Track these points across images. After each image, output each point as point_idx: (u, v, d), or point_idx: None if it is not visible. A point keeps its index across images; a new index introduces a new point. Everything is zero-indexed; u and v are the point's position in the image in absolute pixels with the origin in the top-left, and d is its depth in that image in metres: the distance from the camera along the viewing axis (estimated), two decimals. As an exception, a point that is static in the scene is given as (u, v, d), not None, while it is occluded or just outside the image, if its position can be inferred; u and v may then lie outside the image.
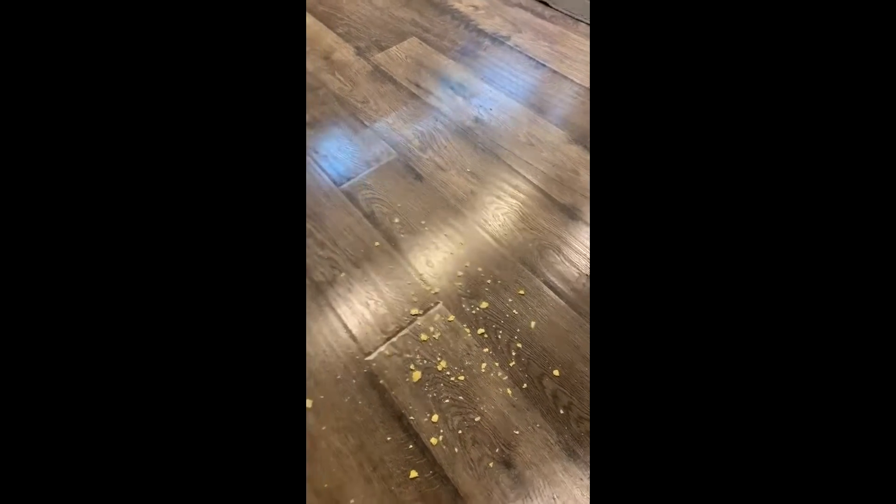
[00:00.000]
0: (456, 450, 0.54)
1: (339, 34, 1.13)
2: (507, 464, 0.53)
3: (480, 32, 1.09)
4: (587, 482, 0.51)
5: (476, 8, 1.16)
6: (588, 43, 1.03)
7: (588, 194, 0.76)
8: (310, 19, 1.19)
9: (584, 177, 0.79)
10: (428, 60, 1.03)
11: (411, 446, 0.55)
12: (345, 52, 1.08)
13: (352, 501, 0.51)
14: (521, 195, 0.77)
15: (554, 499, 0.51)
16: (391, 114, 0.93)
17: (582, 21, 1.09)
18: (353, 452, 0.55)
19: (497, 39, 1.07)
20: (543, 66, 0.99)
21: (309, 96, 0.98)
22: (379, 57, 1.06)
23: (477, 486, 0.52)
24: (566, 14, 1.12)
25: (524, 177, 0.80)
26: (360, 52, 1.08)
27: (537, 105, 0.92)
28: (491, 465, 0.53)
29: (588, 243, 0.70)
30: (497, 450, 0.54)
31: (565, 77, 0.97)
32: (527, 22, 1.10)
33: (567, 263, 0.69)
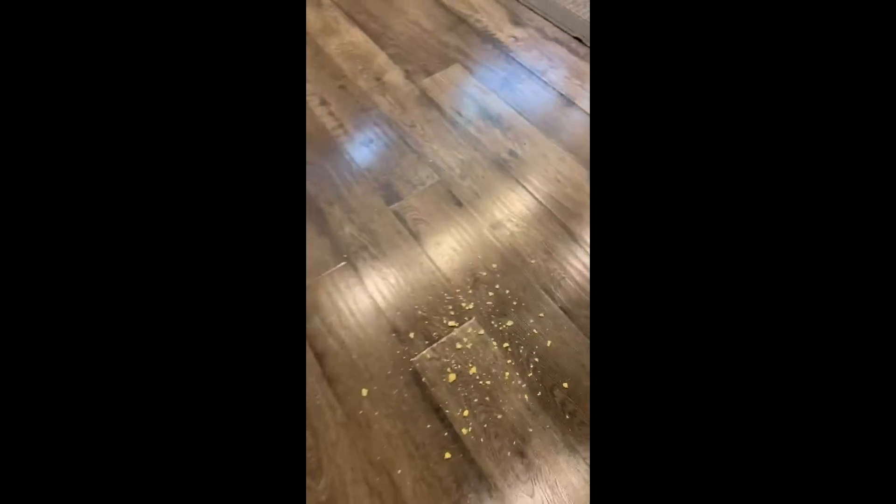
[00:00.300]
0: (482, 440, 0.69)
1: (389, 55, 1.25)
2: (521, 454, 0.68)
3: (519, 65, 1.20)
4: (583, 472, 0.66)
5: (516, 39, 1.26)
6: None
7: (603, 231, 0.89)
8: (362, 36, 1.30)
9: (602, 215, 0.92)
10: (470, 89, 1.15)
11: (446, 434, 0.69)
12: (395, 75, 1.19)
13: (399, 471, 0.66)
14: (545, 229, 0.90)
15: (556, 483, 0.65)
16: (435, 140, 1.05)
17: (612, 61, 1.20)
18: (400, 434, 0.69)
19: (534, 74, 1.18)
20: (573, 104, 1.11)
21: (362, 116, 1.11)
22: (426, 82, 1.17)
23: (496, 469, 0.66)
24: (598, 53, 1.22)
25: (550, 211, 0.93)
26: (408, 75, 1.19)
27: (566, 143, 1.03)
28: (508, 453, 0.68)
29: (600, 276, 0.83)
30: (514, 442, 0.68)
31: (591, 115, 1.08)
32: (563, 58, 1.21)
33: (581, 292, 0.82)
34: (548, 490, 0.65)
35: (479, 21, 1.32)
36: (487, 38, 1.27)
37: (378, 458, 0.68)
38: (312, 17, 1.36)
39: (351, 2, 1.40)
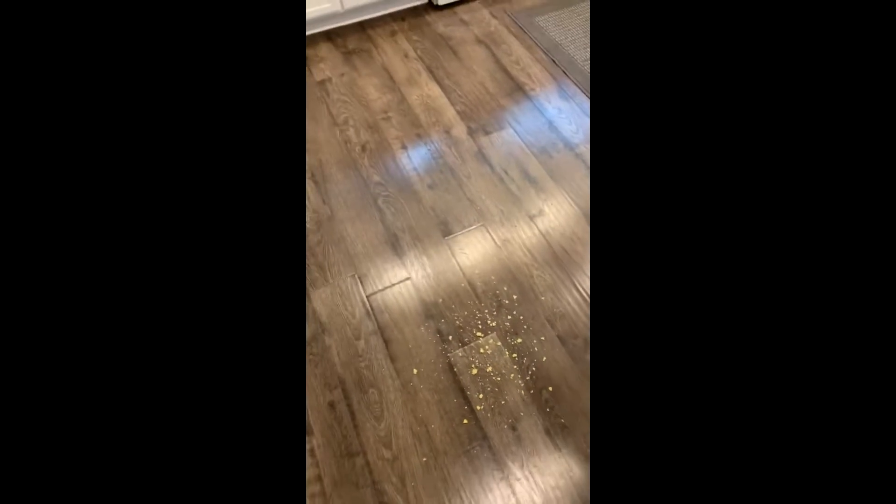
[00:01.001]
0: (489, 415, 1.04)
1: (457, 111, 1.58)
2: (514, 428, 1.02)
3: (559, 135, 1.51)
4: (551, 448, 1.00)
5: (560, 111, 1.58)
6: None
7: (598, 283, 1.21)
8: (438, 90, 1.64)
9: (599, 270, 1.24)
10: (516, 152, 1.47)
11: (465, 407, 1.04)
12: (460, 130, 1.53)
13: (432, 426, 1.02)
14: (555, 274, 1.23)
15: (532, 453, 1.00)
16: (484, 192, 1.38)
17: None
18: (436, 403, 1.05)
19: (569, 145, 1.49)
20: (595, 176, 1.42)
21: (431, 163, 1.45)
22: (483, 140, 1.50)
23: (496, 435, 1.01)
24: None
25: (560, 261, 1.26)
26: (471, 132, 1.52)
27: (583, 207, 1.35)
28: (505, 426, 1.02)
29: (588, 312, 1.16)
30: (510, 420, 1.03)
31: (608, 189, 1.40)
32: (593, 134, 1.52)
33: (573, 327, 1.15)
34: (527, 455, 0.99)
35: (532, 90, 1.63)
36: (536, 107, 1.58)
37: (420, 415, 1.03)
38: (400, 67, 1.70)
39: (432, 57, 1.73)
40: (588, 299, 1.19)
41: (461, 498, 0.95)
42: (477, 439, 1.01)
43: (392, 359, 1.11)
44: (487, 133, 1.52)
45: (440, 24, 1.84)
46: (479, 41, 1.78)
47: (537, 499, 0.95)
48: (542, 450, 1.00)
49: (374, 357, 1.11)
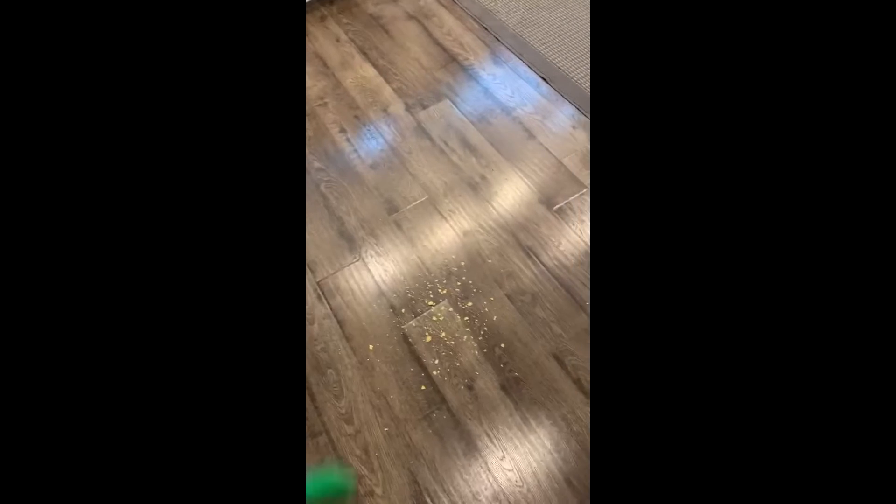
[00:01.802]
0: (445, 378, 1.06)
1: (393, 89, 1.57)
2: (470, 388, 1.05)
3: (495, 101, 1.52)
4: (507, 402, 1.03)
5: (495, 77, 1.58)
6: (569, 123, 1.46)
7: (540, 239, 1.24)
8: (372, 71, 1.63)
9: (544, 229, 1.26)
10: (455, 123, 1.48)
11: (422, 375, 1.07)
12: (397, 107, 1.53)
13: (391, 396, 1.04)
14: (501, 238, 1.25)
15: (489, 408, 1.03)
16: (426, 165, 1.39)
17: (567, 100, 1.52)
18: (393, 374, 1.07)
19: (505, 109, 1.50)
20: (533, 137, 1.44)
21: (372, 143, 1.45)
22: (421, 115, 1.50)
23: (454, 397, 1.04)
24: (557, 92, 1.54)
25: (506, 224, 1.28)
26: (408, 107, 1.52)
27: (524, 170, 1.37)
28: (461, 387, 1.05)
29: (539, 270, 1.19)
30: (466, 381, 1.06)
31: (547, 150, 1.41)
32: (530, 97, 1.53)
33: (521, 285, 1.18)
34: (485, 412, 1.03)
35: (466, 60, 1.63)
36: (472, 76, 1.59)
37: (378, 388, 1.06)
38: (332, 52, 1.69)
39: (364, 38, 1.72)
40: (533, 256, 1.21)
41: (424, 460, 0.98)
42: (436, 404, 1.03)
43: (347, 338, 1.12)
44: (425, 107, 1.52)
45: (369, 3, 1.83)
46: (411, 17, 1.77)
47: (498, 452, 0.98)
48: (499, 405, 1.03)
49: (329, 339, 1.12)
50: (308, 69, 1.64)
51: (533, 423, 1.01)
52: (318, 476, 0.88)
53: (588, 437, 0.99)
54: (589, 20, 1.69)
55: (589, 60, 1.58)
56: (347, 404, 1.04)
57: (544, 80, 1.56)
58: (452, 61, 1.63)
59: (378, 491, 0.95)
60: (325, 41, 1.72)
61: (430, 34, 1.71)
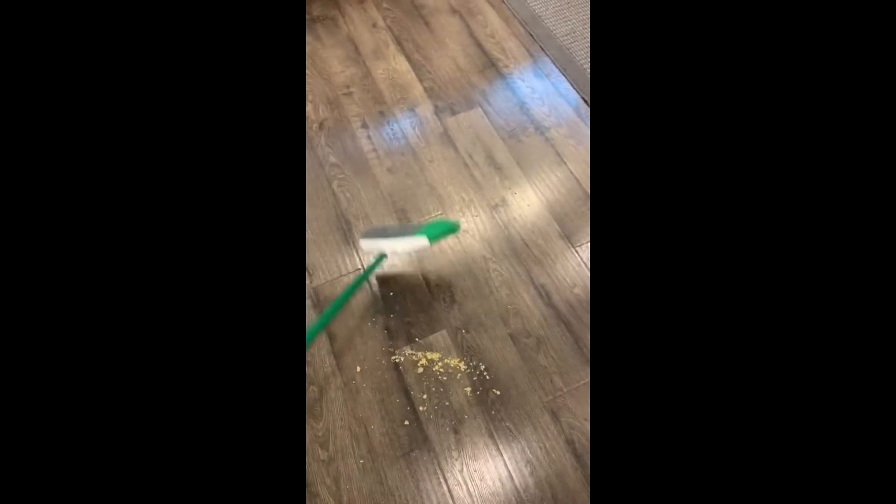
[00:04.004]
0: (431, 416, 1.00)
1: (424, 87, 1.48)
2: (456, 431, 0.99)
3: (529, 117, 1.42)
4: (493, 451, 0.97)
5: (533, 91, 1.48)
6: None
7: (555, 282, 1.16)
8: (406, 65, 1.53)
9: (561, 268, 1.18)
10: (483, 135, 1.39)
11: (408, 408, 1.00)
12: (426, 109, 1.43)
13: (372, 427, 0.98)
14: (513, 269, 1.18)
15: (473, 456, 0.97)
16: (445, 177, 1.31)
17: (608, 127, 1.41)
18: (378, 402, 1.01)
19: (540, 128, 1.40)
20: (563, 163, 1.34)
21: (393, 144, 1.36)
22: (450, 121, 1.41)
23: (436, 437, 0.98)
24: (599, 117, 1.44)
25: (519, 256, 1.20)
26: (437, 111, 1.43)
27: (548, 198, 1.28)
28: (447, 428, 0.99)
29: (548, 312, 1.11)
30: (453, 422, 1.00)
31: (577, 180, 1.32)
32: (567, 118, 1.43)
33: (526, 325, 1.10)
34: (468, 460, 0.96)
35: (506, 67, 1.53)
36: (508, 86, 1.49)
37: (360, 415, 1.00)
38: (367, 38, 1.59)
39: (402, 27, 1.62)
40: (545, 295, 1.13)
41: (396, 501, 0.92)
42: (417, 442, 0.97)
43: (336, 355, 1.06)
44: (455, 113, 1.43)
45: (414, -10, 1.72)
46: (454, 11, 1.67)
47: (474, 505, 0.92)
48: (485, 454, 0.97)
49: (316, 352, 1.06)
50: (338, 53, 1.55)
51: (517, 480, 0.94)
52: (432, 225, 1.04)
53: (572, 506, 0.92)
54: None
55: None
56: (325, 427, 0.99)
57: (585, 102, 1.46)
58: (491, 66, 1.53)
59: (343, 528, 0.90)
60: (360, 25, 1.62)
61: (471, 33, 1.61)
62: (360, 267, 1.17)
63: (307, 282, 1.15)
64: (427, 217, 1.24)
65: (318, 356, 1.05)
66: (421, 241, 0.99)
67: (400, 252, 1.02)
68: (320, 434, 0.98)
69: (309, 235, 1.22)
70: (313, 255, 1.19)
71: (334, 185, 1.30)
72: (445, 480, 0.94)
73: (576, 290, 1.14)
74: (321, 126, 1.40)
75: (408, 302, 1.12)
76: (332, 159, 1.34)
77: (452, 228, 1.09)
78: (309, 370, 1.04)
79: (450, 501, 0.92)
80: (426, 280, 1.15)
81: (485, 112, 1.43)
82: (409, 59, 1.54)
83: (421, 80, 1.49)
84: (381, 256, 1.03)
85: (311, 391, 1.02)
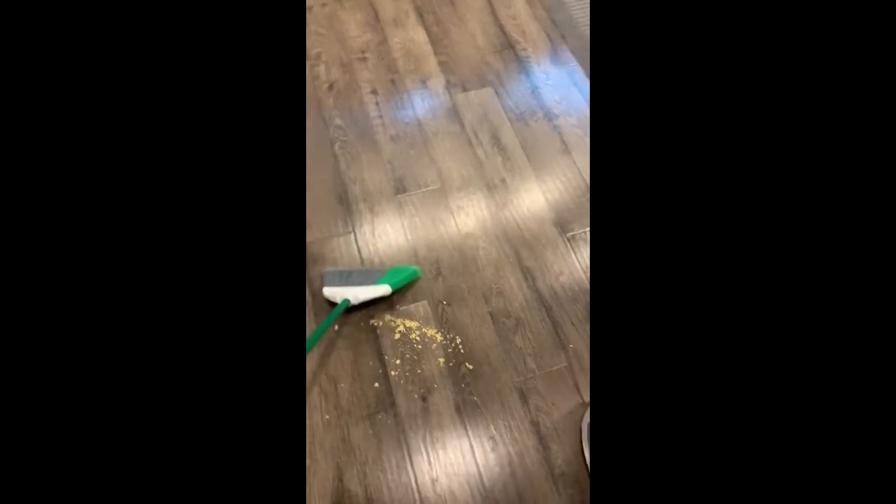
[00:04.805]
0: (402, 382, 1.01)
1: (439, 61, 1.47)
2: (424, 399, 1.00)
3: (540, 102, 1.41)
4: (458, 423, 0.97)
5: (548, 77, 1.46)
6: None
7: (542, 266, 1.16)
8: (423, 37, 1.52)
9: (550, 254, 1.18)
10: (492, 115, 1.38)
11: (380, 371, 1.01)
12: (437, 82, 1.42)
13: (342, 385, 0.99)
14: (502, 251, 1.17)
15: (438, 425, 0.97)
16: (448, 152, 1.30)
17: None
18: (351, 362, 1.02)
19: (549, 115, 1.39)
20: (568, 153, 1.33)
21: (400, 113, 1.36)
22: (460, 97, 1.40)
23: (404, 403, 0.99)
24: (610, 110, 1.42)
25: (509, 238, 1.19)
26: (448, 85, 1.42)
27: (548, 185, 1.28)
28: (416, 396, 1.00)
29: (531, 296, 1.11)
30: (422, 390, 1.00)
31: (578, 170, 1.31)
32: (578, 108, 1.41)
33: (508, 305, 1.10)
34: (432, 428, 0.97)
35: (524, 50, 1.51)
36: (523, 69, 1.47)
37: (332, 372, 1.01)
38: (388, 5, 1.58)
39: (424, -1, 1.60)
40: (529, 279, 1.13)
41: (356, 460, 0.93)
42: (384, 405, 0.98)
43: (315, 313, 1.07)
44: (466, 90, 1.42)
45: (441, -37, 1.69)
46: (480, -12, 1.64)
47: (433, 473, 0.93)
48: (449, 426, 0.97)
49: (297, 307, 1.07)
50: (358, 18, 1.54)
51: (478, 454, 0.95)
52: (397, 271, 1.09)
53: (529, 484, 0.93)
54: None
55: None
56: (296, 380, 1.00)
57: (599, 93, 1.44)
58: (509, 48, 1.51)
59: (300, 478, 0.91)
60: (383, -9, 1.60)
61: (494, 12, 1.59)
62: (350, 230, 1.17)
63: (297, 237, 1.15)
64: (422, 189, 1.24)
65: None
66: (383, 290, 1.04)
67: (363, 299, 1.02)
68: (290, 386, 0.99)
69: (307, 193, 1.22)
70: (307, 213, 1.19)
71: (336, 146, 1.29)
72: (407, 445, 0.95)
73: (562, 278, 1.14)
74: (331, 87, 1.40)
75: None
76: (338, 121, 1.34)
77: (413, 274, 1.11)
78: (287, 323, 1.05)
79: (409, 466, 0.93)
80: (414, 250, 1.15)
81: (496, 92, 1.42)
82: (427, 31, 1.53)
83: (436, 54, 1.48)
84: (345, 302, 1.01)
85: (287, 343, 1.03)
